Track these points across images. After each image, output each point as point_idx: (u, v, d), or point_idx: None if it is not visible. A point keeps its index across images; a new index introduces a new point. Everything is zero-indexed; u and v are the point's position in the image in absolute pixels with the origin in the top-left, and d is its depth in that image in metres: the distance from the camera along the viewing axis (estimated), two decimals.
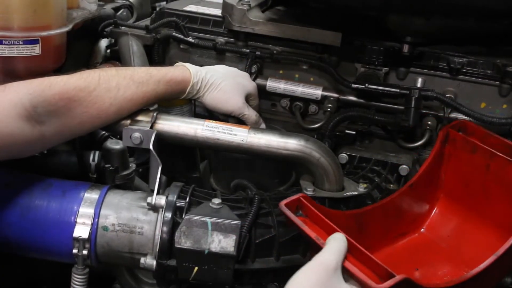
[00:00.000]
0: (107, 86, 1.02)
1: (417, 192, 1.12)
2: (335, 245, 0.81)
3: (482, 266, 0.88)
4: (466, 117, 1.25)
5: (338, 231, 0.84)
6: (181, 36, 1.46)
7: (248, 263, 0.99)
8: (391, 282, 0.75)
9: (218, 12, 1.47)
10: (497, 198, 1.07)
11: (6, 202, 0.98)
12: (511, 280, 1.08)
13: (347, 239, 0.82)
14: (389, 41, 1.35)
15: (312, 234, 0.85)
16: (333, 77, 1.37)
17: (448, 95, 1.29)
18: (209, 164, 1.40)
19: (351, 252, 0.82)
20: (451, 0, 1.12)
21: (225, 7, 1.43)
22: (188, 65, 1.17)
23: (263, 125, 1.24)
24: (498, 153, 1.06)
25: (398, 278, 0.75)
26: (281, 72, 1.44)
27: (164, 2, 1.95)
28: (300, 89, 1.40)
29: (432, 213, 1.16)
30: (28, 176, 1.02)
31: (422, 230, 1.15)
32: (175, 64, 1.19)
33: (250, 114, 1.20)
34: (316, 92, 1.39)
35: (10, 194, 0.98)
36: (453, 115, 1.29)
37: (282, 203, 0.91)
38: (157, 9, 1.58)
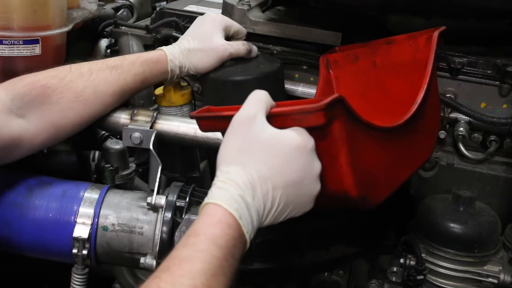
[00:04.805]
0: (79, 72, 1.04)
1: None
2: (250, 98, 0.76)
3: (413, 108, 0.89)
4: (466, 117, 1.25)
5: None
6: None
7: (248, 263, 0.99)
8: (327, 99, 0.69)
9: (218, 12, 1.46)
10: (393, 87, 1.06)
11: (6, 202, 0.98)
12: (511, 280, 1.08)
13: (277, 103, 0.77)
14: None
15: (231, 112, 0.76)
16: None
17: (448, 95, 1.29)
18: (209, 164, 1.40)
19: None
20: (451, 0, 1.12)
21: (225, 7, 1.43)
22: (163, 47, 1.15)
23: (255, 49, 1.21)
24: (378, 44, 1.08)
25: (334, 96, 0.70)
26: None
27: (164, 2, 1.95)
28: (300, 89, 1.39)
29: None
30: (28, 176, 1.02)
31: None
32: None
33: (236, 49, 1.16)
34: None
35: (10, 194, 0.98)
36: (453, 115, 1.29)
37: (193, 113, 0.84)
38: (157, 9, 1.58)
